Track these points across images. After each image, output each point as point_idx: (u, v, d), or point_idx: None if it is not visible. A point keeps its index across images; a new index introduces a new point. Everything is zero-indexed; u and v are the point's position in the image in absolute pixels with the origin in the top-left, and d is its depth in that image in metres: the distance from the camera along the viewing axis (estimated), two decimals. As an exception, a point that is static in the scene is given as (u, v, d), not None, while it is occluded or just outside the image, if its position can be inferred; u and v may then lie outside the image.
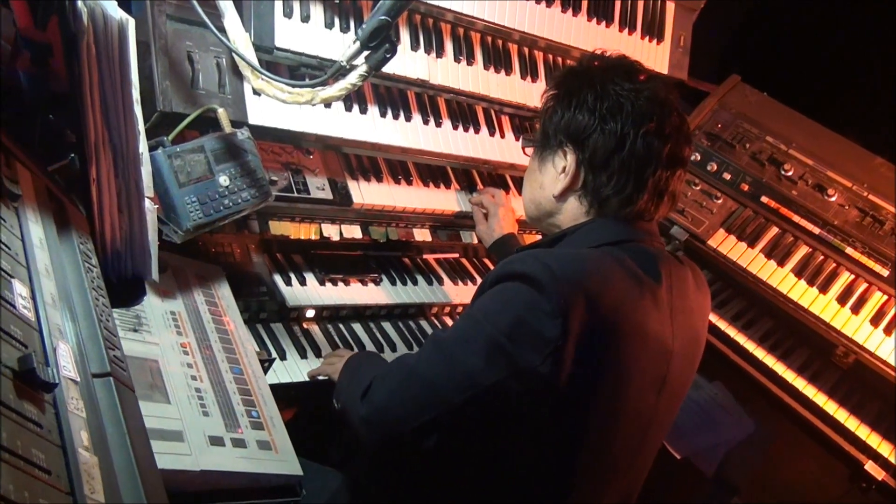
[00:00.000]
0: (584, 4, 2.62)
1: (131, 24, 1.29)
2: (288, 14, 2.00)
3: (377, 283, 2.42)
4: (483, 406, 1.43)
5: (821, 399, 2.70)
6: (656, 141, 1.56)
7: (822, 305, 2.72)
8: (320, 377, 2.04)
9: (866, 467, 2.58)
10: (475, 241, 2.76)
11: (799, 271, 2.80)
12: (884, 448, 2.59)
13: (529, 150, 1.82)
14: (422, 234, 2.62)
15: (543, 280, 1.37)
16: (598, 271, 1.44)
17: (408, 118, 2.37)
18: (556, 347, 1.35)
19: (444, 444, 1.53)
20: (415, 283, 2.54)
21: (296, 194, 2.22)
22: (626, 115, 1.55)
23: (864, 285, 2.76)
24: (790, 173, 2.95)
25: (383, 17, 1.57)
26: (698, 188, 2.98)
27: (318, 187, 2.28)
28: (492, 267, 2.83)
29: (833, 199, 2.88)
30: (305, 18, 2.03)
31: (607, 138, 1.56)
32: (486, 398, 1.41)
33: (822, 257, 2.84)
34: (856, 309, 2.70)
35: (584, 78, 1.64)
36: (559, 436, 1.47)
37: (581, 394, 1.44)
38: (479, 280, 2.73)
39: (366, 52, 1.63)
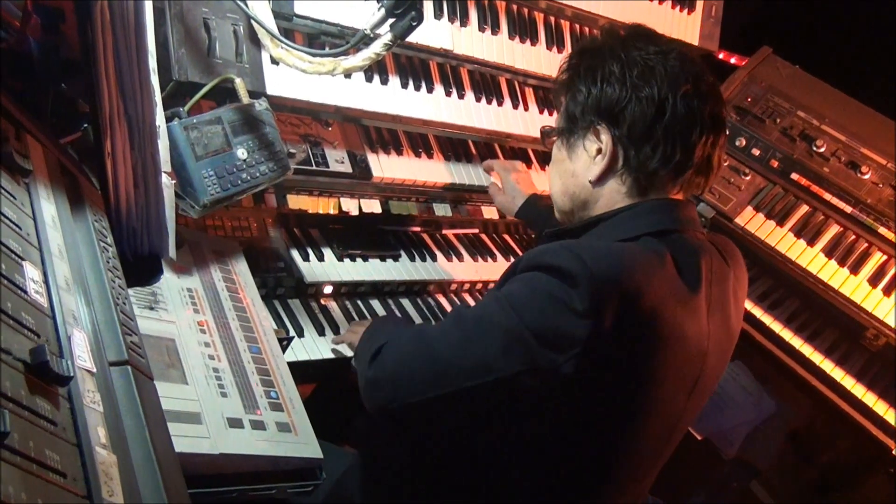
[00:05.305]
0: (614, -28, 2.52)
1: (147, -12, 1.22)
2: (308, -20, 1.92)
3: (396, 259, 2.37)
4: (493, 396, 1.34)
5: (849, 382, 2.64)
6: (696, 101, 1.45)
7: (852, 286, 2.64)
8: (344, 344, 2.01)
9: (894, 452, 2.52)
10: (496, 216, 2.70)
11: (829, 251, 2.72)
12: (912, 434, 2.54)
13: (550, 141, 1.72)
14: (442, 209, 2.56)
15: (578, 276, 1.26)
16: (637, 269, 1.32)
17: (430, 90, 2.29)
18: (583, 349, 1.26)
19: (453, 427, 1.48)
20: (434, 259, 2.49)
21: (314, 167, 2.16)
22: (661, 78, 1.45)
23: (897, 266, 2.68)
24: (822, 150, 2.85)
25: (410, -16, 1.50)
26: (726, 164, 2.88)
27: (337, 160, 2.22)
28: (512, 243, 2.78)
29: (866, 176, 2.78)
30: (326, -16, 1.95)
31: (645, 106, 1.44)
32: (497, 388, 1.32)
33: (853, 237, 2.75)
34: (888, 291, 2.63)
35: (603, 51, 1.53)
36: (579, 435, 1.39)
37: (607, 396, 1.36)
38: (498, 256, 2.68)
39: (391, 20, 1.56)
